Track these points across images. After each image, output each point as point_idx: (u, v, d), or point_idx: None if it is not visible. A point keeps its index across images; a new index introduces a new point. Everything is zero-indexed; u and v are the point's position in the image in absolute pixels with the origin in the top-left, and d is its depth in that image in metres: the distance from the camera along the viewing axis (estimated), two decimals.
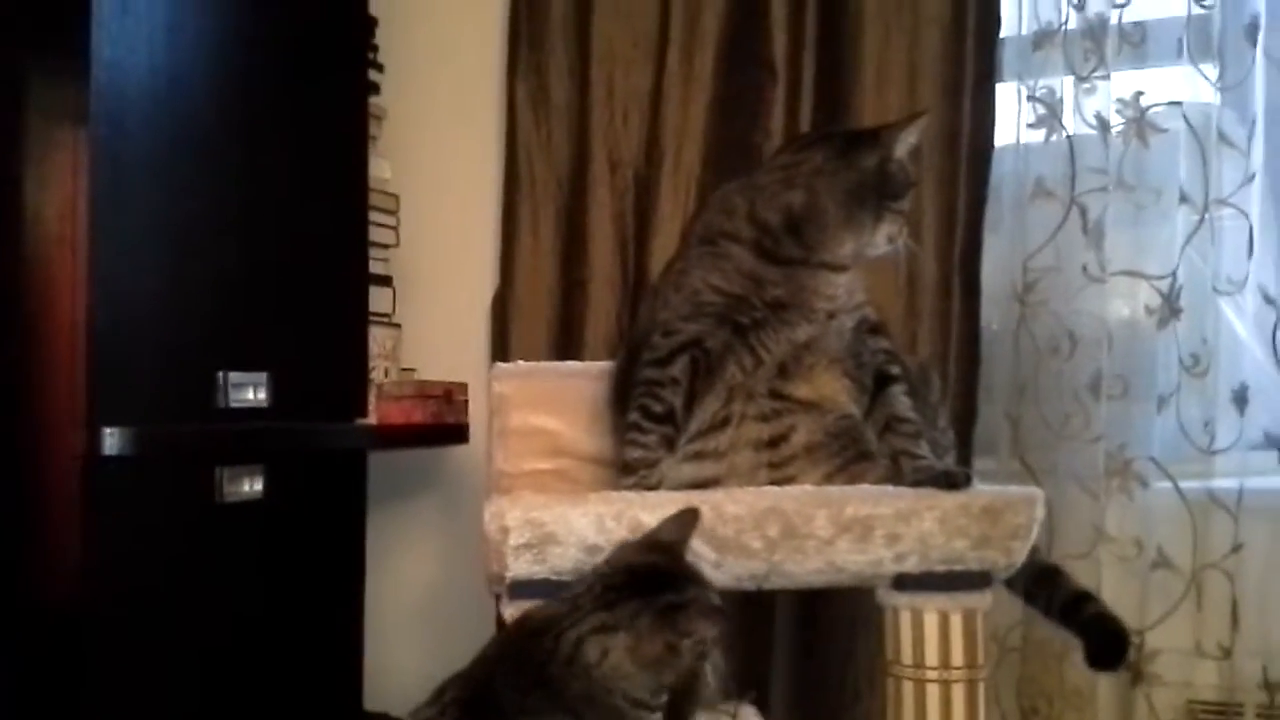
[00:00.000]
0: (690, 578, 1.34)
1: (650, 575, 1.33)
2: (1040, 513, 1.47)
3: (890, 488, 1.50)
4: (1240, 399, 1.98)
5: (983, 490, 1.50)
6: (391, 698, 2.17)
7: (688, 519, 1.40)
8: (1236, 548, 1.96)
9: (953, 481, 1.48)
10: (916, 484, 1.49)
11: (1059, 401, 2.03)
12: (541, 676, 1.28)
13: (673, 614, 1.27)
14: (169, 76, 1.70)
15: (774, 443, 1.56)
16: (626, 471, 1.58)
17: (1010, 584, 1.62)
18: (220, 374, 1.74)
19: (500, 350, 2.27)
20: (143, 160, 1.66)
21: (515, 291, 2.30)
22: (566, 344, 2.25)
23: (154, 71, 1.68)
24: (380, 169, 2.21)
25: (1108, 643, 1.62)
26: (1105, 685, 1.99)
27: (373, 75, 2.22)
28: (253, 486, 1.79)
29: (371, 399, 2.07)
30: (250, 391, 1.78)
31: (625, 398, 1.63)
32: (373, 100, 2.20)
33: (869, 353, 1.59)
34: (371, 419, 2.06)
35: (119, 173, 1.62)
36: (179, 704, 1.68)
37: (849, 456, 1.55)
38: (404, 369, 2.27)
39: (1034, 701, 2.02)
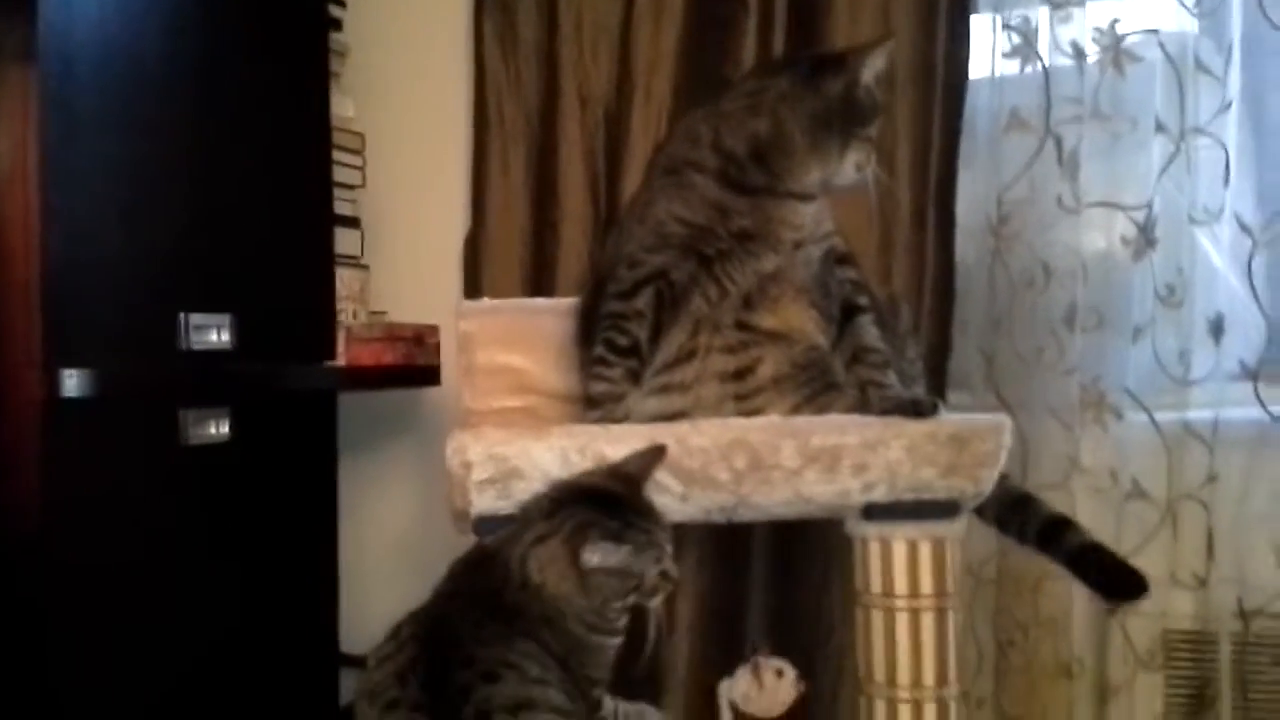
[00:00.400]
0: (641, 510, 1.34)
1: (598, 497, 1.33)
2: (1007, 440, 1.46)
3: (857, 417, 1.49)
4: (1216, 329, 1.97)
5: (950, 418, 1.50)
6: (369, 640, 2.16)
7: (651, 454, 1.40)
8: (1212, 478, 1.95)
9: (920, 409, 1.47)
10: (884, 413, 1.49)
11: (1033, 334, 2.02)
12: (498, 604, 1.29)
13: (584, 528, 1.29)
14: (120, 13, 1.67)
15: (740, 374, 1.54)
16: (592, 405, 1.57)
17: (981, 513, 1.62)
18: (182, 315, 1.71)
19: (473, 291, 2.25)
20: (96, 99, 1.63)
21: (487, 231, 2.27)
22: (539, 284, 2.23)
23: (104, 9, 1.64)
24: (344, 107, 2.18)
25: (1116, 578, 1.61)
26: (1080, 615, 2.00)
27: (334, 10, 2.18)
28: (219, 429, 1.77)
29: (341, 342, 2.05)
30: (213, 333, 1.75)
31: (590, 332, 1.61)
32: (334, 36, 2.16)
33: (836, 283, 1.57)
34: (341, 361, 2.04)
35: (71, 112, 1.59)
36: (146, 651, 1.67)
37: (816, 387, 1.53)
38: (374, 312, 2.24)
39: (1010, 633, 2.03)
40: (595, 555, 1.28)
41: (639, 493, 1.37)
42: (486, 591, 1.30)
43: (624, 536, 1.30)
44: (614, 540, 1.29)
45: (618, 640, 1.35)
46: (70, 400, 1.55)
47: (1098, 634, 2.01)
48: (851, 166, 1.54)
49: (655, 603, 1.34)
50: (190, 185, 1.76)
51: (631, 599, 1.31)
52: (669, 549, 1.35)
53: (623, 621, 1.34)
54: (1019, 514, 1.63)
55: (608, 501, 1.33)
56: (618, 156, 2.18)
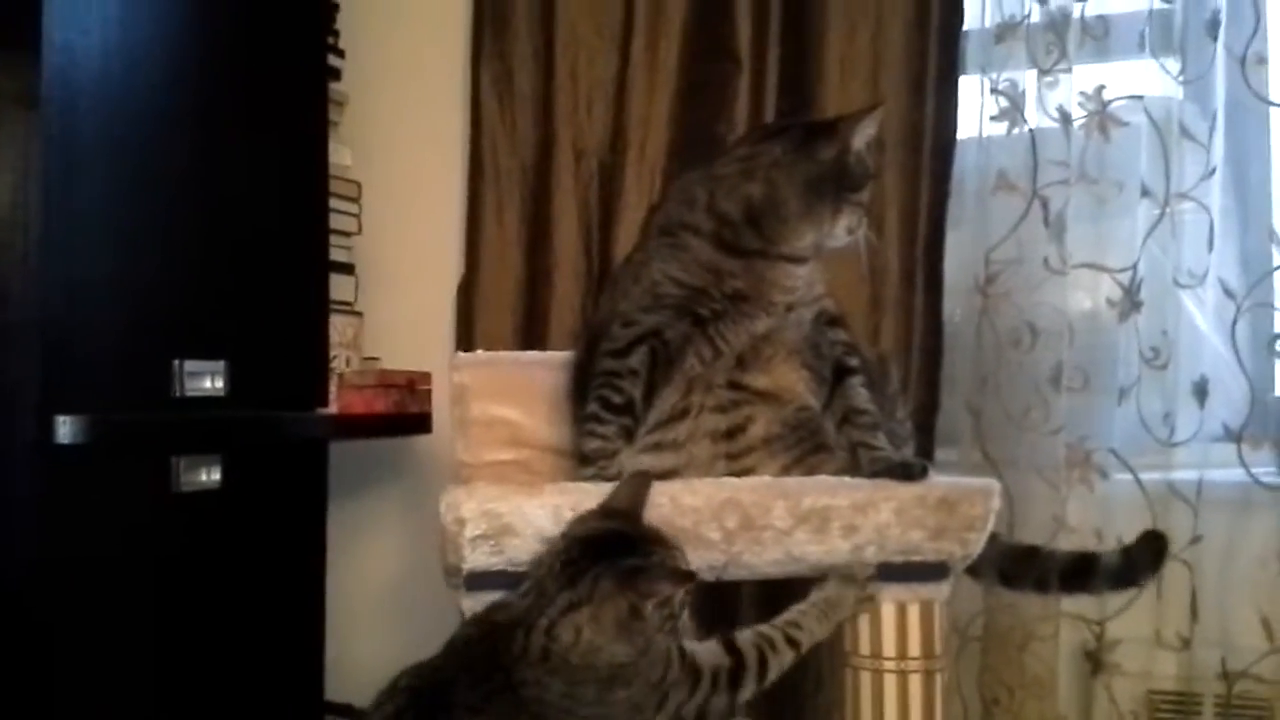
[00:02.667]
0: (650, 539, 1.33)
1: (608, 542, 1.31)
2: (996, 504, 1.48)
3: (848, 479, 1.51)
4: (1200, 391, 2.00)
5: (939, 481, 1.51)
6: (354, 689, 2.14)
7: (639, 483, 1.40)
8: (1196, 539, 1.97)
9: (909, 473, 1.48)
10: (874, 475, 1.50)
11: (1020, 393, 2.04)
12: (510, 681, 1.27)
13: (632, 575, 1.26)
14: (123, 60, 1.68)
15: (732, 434, 1.56)
16: (585, 463, 1.58)
17: (976, 572, 1.63)
18: (176, 362, 1.71)
19: (465, 339, 2.26)
20: (96, 145, 1.64)
21: (480, 280, 2.28)
22: (532, 333, 2.24)
23: (107, 55, 1.65)
24: (341, 155, 2.19)
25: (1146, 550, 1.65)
26: (1066, 675, 2.01)
27: (333, 60, 2.20)
28: (210, 476, 1.77)
29: (333, 388, 2.05)
30: (207, 380, 1.76)
31: (584, 389, 1.62)
32: (333, 86, 2.18)
33: (828, 344, 1.59)
34: (333, 408, 2.04)
35: (71, 157, 1.60)
36: (138, 696, 1.67)
37: (807, 448, 1.55)
38: (367, 358, 2.25)
39: (995, 692, 2.03)
40: (653, 597, 1.26)
41: (640, 522, 1.36)
42: (494, 664, 1.28)
43: (662, 572, 1.29)
44: (669, 578, 1.28)
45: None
46: (64, 446, 1.55)
47: (1083, 694, 2.02)
48: (843, 230, 1.57)
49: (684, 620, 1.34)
50: (187, 232, 1.77)
51: (669, 625, 1.30)
52: (684, 560, 1.35)
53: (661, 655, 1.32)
54: (1032, 565, 1.64)
55: (617, 544, 1.31)
56: (611, 208, 2.20)
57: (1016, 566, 1.66)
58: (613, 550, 1.30)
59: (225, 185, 1.83)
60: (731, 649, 1.37)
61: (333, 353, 2.09)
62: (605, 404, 1.57)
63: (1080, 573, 1.66)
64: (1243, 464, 1.96)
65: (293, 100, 2.00)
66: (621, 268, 1.71)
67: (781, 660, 1.38)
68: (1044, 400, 2.02)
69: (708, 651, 1.36)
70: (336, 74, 2.22)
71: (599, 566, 1.28)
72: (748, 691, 1.35)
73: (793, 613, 1.43)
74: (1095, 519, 2.01)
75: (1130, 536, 1.97)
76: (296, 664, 2.01)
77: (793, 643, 1.40)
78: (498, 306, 2.28)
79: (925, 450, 1.96)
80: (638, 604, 1.26)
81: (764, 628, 1.41)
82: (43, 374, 1.56)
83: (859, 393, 1.56)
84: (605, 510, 1.38)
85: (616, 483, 1.51)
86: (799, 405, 1.56)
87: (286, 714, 1.97)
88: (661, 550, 1.32)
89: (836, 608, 1.44)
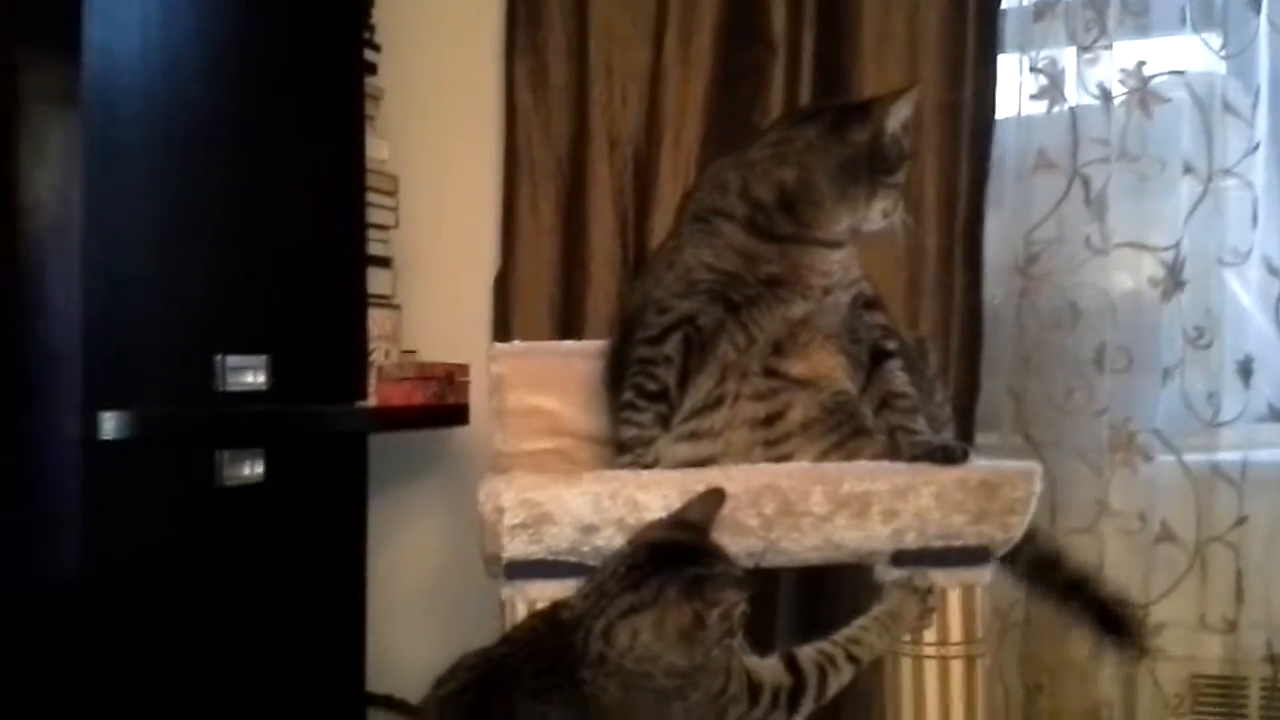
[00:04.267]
0: (714, 553, 1.33)
1: (673, 551, 1.31)
2: (1038, 487, 1.46)
3: (887, 463, 1.50)
4: (1245, 370, 1.97)
5: (980, 465, 1.50)
6: (395, 680, 2.17)
7: (713, 499, 1.39)
8: (1241, 520, 1.95)
9: (950, 456, 1.47)
10: (913, 459, 1.49)
11: (1062, 375, 2.02)
12: (572, 678, 1.26)
13: (699, 584, 1.25)
14: (162, 59, 1.70)
15: (769, 421, 1.55)
16: (622, 450, 1.58)
17: (1011, 566, 1.61)
18: (218, 357, 1.74)
19: (502, 331, 2.27)
20: (136, 144, 1.66)
21: (516, 272, 2.29)
22: (568, 323, 2.25)
23: (147, 54, 1.67)
24: (378, 149, 2.20)
25: (1114, 626, 1.61)
26: (1108, 659, 1.99)
27: (369, 55, 2.21)
28: (253, 470, 1.79)
29: (372, 381, 2.07)
30: (249, 375, 1.78)
31: (619, 376, 1.62)
32: (369, 80, 2.19)
33: (865, 328, 1.58)
34: (372, 401, 2.06)
35: (112, 156, 1.62)
36: (179, 688, 1.69)
37: (845, 433, 1.54)
38: (405, 351, 2.26)
39: (1037, 677, 2.02)
40: (718, 607, 1.26)
41: (707, 538, 1.36)
42: (558, 658, 1.27)
43: (727, 581, 1.29)
44: (734, 587, 1.27)
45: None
46: (108, 443, 1.57)
47: (1126, 679, 2.00)
48: (879, 213, 1.56)
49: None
50: (227, 228, 1.79)
51: (726, 640, 1.28)
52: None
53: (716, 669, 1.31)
54: (1047, 574, 1.64)
55: (685, 554, 1.30)
56: (646, 198, 2.20)
57: (1036, 570, 1.64)
58: (679, 559, 1.29)
59: (264, 181, 1.85)
60: (792, 666, 1.36)
61: (371, 346, 2.11)
62: (640, 391, 1.57)
63: (1070, 596, 1.63)
64: None
65: (330, 95, 2.02)
66: (655, 254, 1.71)
67: (841, 678, 1.38)
68: (1086, 382, 2.01)
69: (768, 669, 1.35)
70: (373, 68, 2.23)
71: (664, 573, 1.27)
72: (806, 710, 1.35)
73: (854, 628, 1.42)
74: (1139, 502, 2.00)
75: (1174, 519, 1.97)
76: (338, 656, 2.03)
77: (854, 660, 1.39)
78: (534, 298, 2.28)
79: (966, 434, 1.94)
80: (702, 612, 1.25)
81: (826, 645, 1.40)
82: (87, 370, 1.58)
83: (897, 376, 1.55)
84: (676, 520, 1.37)
85: (653, 469, 1.51)
86: (836, 390, 1.55)
87: (328, 705, 2.00)
88: (723, 564, 1.32)
89: (898, 621, 1.44)
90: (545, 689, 1.27)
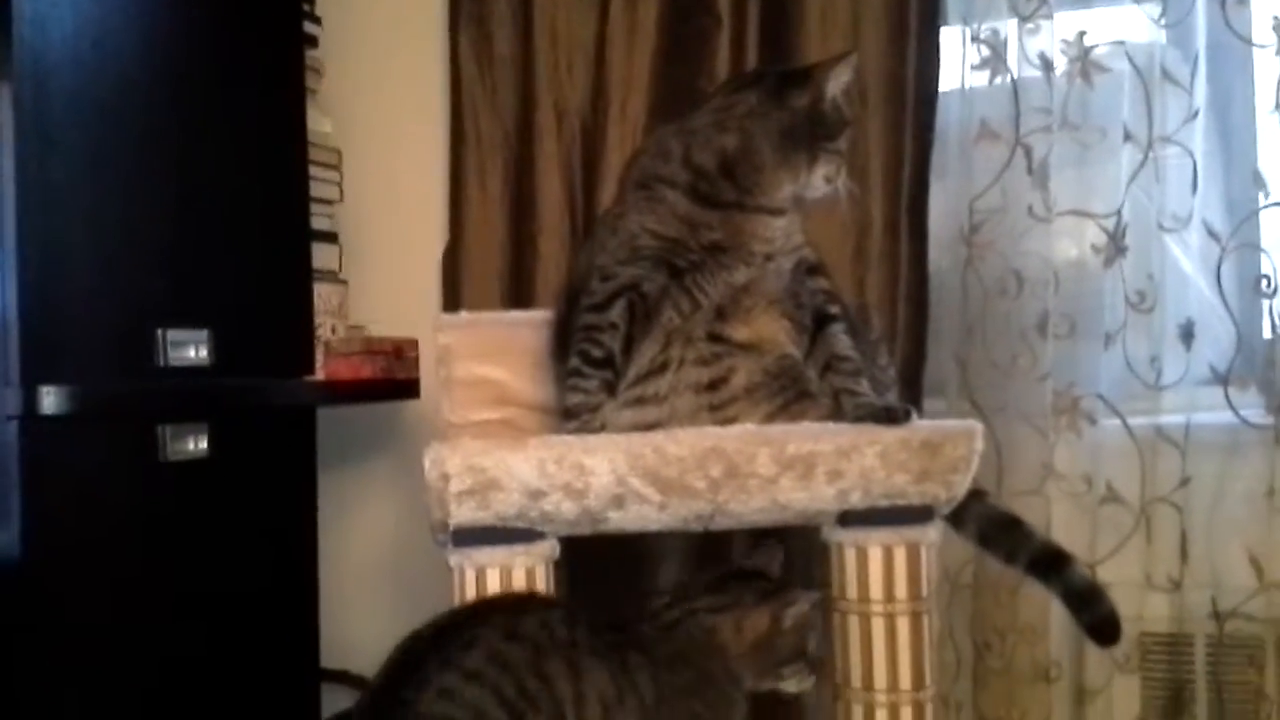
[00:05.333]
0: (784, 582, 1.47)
1: (748, 576, 1.46)
2: (979, 445, 1.48)
3: (831, 424, 1.51)
4: (1186, 334, 2.00)
5: (922, 424, 1.51)
6: (350, 655, 2.16)
7: (771, 553, 1.52)
8: (1184, 481, 1.98)
9: (893, 416, 1.48)
10: (857, 420, 1.50)
11: (1007, 341, 2.04)
12: (627, 630, 1.37)
13: (776, 591, 1.42)
14: (97, 30, 1.67)
15: (714, 385, 1.55)
16: (568, 417, 1.58)
17: (958, 525, 1.63)
18: (159, 331, 1.72)
19: (452, 305, 2.26)
20: (71, 116, 1.63)
21: (465, 245, 2.28)
22: (518, 297, 2.24)
23: (80, 26, 1.64)
24: (320, 123, 2.18)
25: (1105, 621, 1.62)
26: (1057, 618, 2.01)
27: (309, 28, 2.18)
28: (197, 445, 1.77)
29: (319, 357, 2.06)
30: (191, 349, 1.76)
31: (565, 344, 1.62)
32: (310, 53, 2.16)
33: (808, 293, 1.58)
34: (320, 376, 2.04)
35: (46, 128, 1.59)
36: (125, 668, 1.67)
37: (790, 396, 1.55)
38: (353, 326, 2.25)
39: (987, 636, 2.04)
40: (793, 608, 1.41)
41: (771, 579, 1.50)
42: (616, 620, 1.38)
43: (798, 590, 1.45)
44: (805, 595, 1.42)
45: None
46: (48, 418, 1.55)
47: (1075, 638, 2.02)
48: (821, 179, 1.56)
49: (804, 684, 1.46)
50: (167, 202, 1.76)
51: (793, 664, 1.42)
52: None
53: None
54: (1008, 537, 1.63)
55: (759, 576, 1.48)
56: (594, 170, 2.19)
57: (995, 532, 1.64)
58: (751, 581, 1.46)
59: (204, 154, 1.83)
60: None
61: (318, 321, 2.09)
62: (586, 358, 1.57)
63: (1047, 566, 1.63)
64: (1230, 405, 1.96)
65: (270, 68, 1.99)
66: (600, 221, 1.71)
67: None
68: (1030, 348, 2.03)
69: None
70: (314, 41, 2.21)
71: (741, 586, 1.44)
72: None
73: None
74: (1084, 464, 2.02)
75: (1119, 481, 2.00)
76: (291, 632, 2.01)
77: None
78: (483, 271, 2.27)
79: (914, 401, 1.95)
80: (778, 615, 1.40)
81: None
82: (24, 345, 1.55)
83: (840, 339, 1.56)
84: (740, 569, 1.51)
85: (600, 435, 1.51)
86: (780, 354, 1.56)
87: (282, 683, 1.98)
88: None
89: None
90: (603, 629, 1.34)
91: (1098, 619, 1.60)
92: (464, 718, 1.24)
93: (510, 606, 1.39)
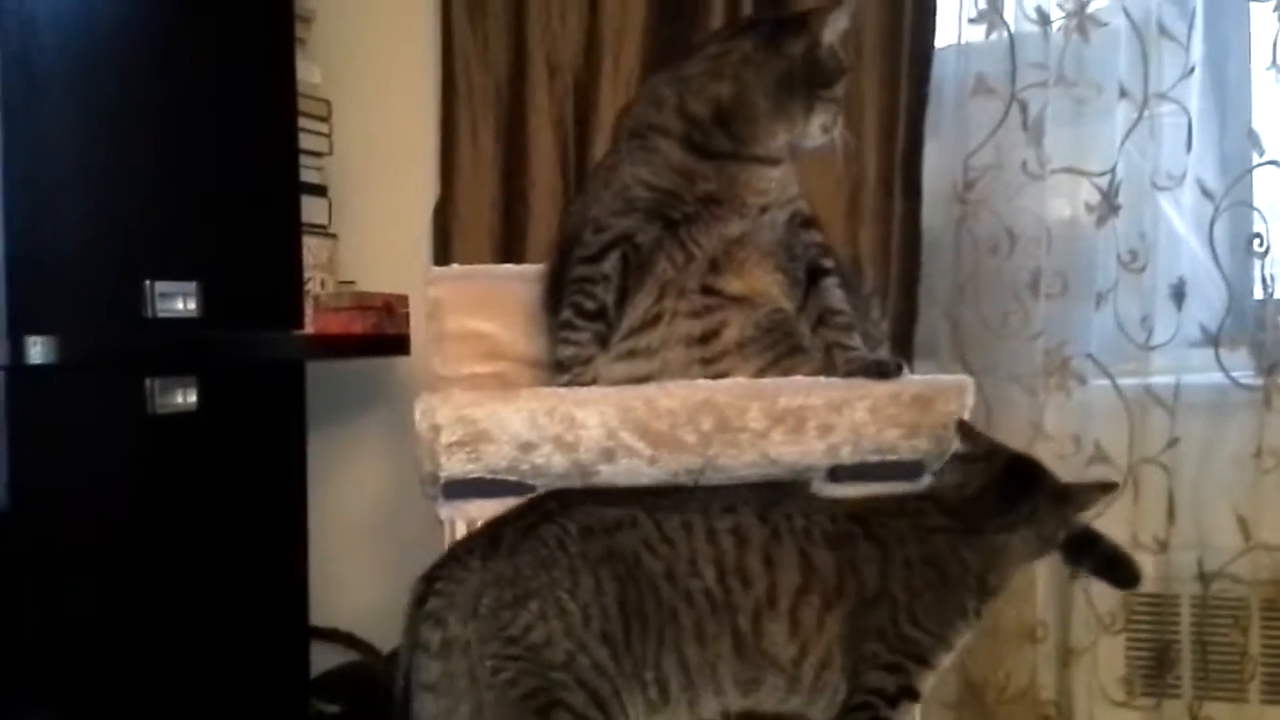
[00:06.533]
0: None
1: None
2: (970, 400, 1.48)
3: (822, 379, 1.50)
4: (1178, 294, 2.00)
5: (913, 379, 1.51)
6: (340, 612, 2.17)
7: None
8: (1173, 442, 1.98)
9: (884, 370, 1.48)
10: (849, 374, 1.49)
11: (998, 300, 2.04)
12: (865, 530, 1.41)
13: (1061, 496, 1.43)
14: None
15: (706, 339, 1.55)
16: (560, 369, 1.57)
17: None
18: (147, 283, 1.70)
19: (442, 261, 2.25)
20: (57, 65, 1.60)
21: (456, 201, 2.27)
22: (509, 252, 2.23)
23: None
24: (309, 73, 2.16)
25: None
26: (1044, 579, 2.03)
27: None
28: (186, 398, 1.76)
29: (309, 312, 2.04)
30: (180, 301, 1.74)
31: (558, 297, 1.61)
32: (299, 1, 2.13)
33: (801, 246, 1.58)
34: (309, 331, 2.03)
35: (31, 78, 1.56)
36: (115, 621, 1.66)
37: (781, 350, 1.54)
38: (343, 282, 2.24)
39: None
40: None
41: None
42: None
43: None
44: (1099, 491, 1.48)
45: None
46: (35, 368, 1.54)
47: (1061, 598, 2.04)
48: (817, 129, 1.55)
49: None
50: (154, 152, 1.74)
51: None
52: None
53: None
54: None
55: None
56: (587, 124, 2.18)
57: None
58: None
59: (191, 105, 1.80)
60: None
61: (307, 275, 2.07)
62: (579, 310, 1.56)
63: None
64: (1220, 366, 1.97)
65: (258, 17, 1.96)
66: (593, 172, 1.69)
67: None
68: (1022, 307, 2.03)
69: None
70: None
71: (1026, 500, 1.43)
72: None
73: None
74: (1073, 424, 2.03)
75: (1107, 441, 2.00)
76: (281, 589, 2.01)
77: None
78: (475, 227, 2.26)
79: (905, 359, 1.95)
80: (1069, 516, 1.43)
81: None
82: (11, 294, 1.53)
83: (833, 294, 1.55)
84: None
85: (591, 387, 1.51)
86: (773, 308, 1.55)
87: (272, 640, 1.98)
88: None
89: None
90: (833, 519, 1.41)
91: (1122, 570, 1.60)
92: None
93: None
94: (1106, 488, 1.47)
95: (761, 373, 1.53)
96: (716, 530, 1.37)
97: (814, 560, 1.36)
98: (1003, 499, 1.41)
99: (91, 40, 1.66)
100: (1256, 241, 1.96)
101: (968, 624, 1.41)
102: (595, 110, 2.16)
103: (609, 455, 1.44)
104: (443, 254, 2.26)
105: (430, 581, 1.33)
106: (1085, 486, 1.46)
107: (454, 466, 1.43)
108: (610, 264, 1.55)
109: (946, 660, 1.41)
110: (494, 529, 1.36)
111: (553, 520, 1.34)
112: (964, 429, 1.46)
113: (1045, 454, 2.00)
